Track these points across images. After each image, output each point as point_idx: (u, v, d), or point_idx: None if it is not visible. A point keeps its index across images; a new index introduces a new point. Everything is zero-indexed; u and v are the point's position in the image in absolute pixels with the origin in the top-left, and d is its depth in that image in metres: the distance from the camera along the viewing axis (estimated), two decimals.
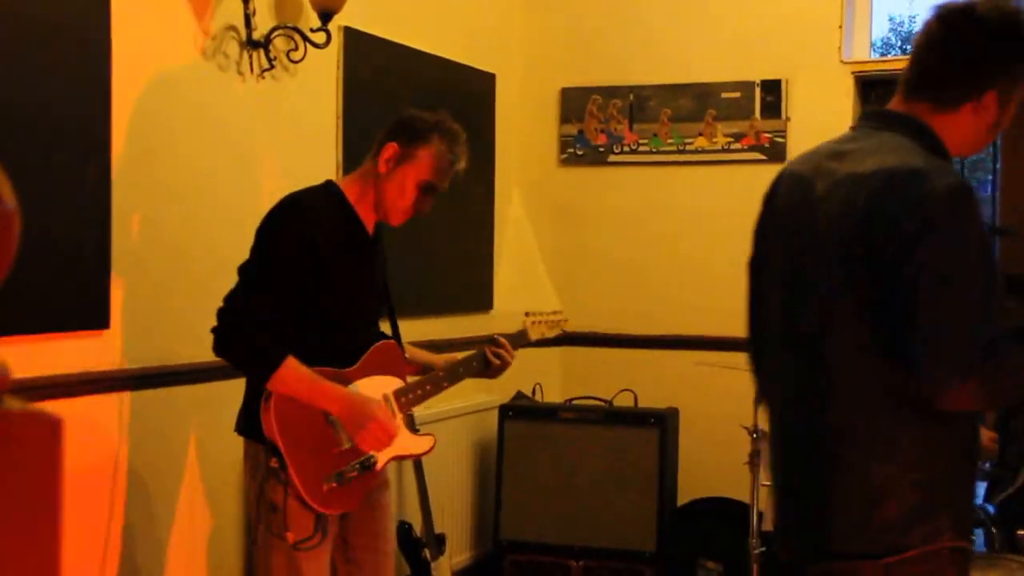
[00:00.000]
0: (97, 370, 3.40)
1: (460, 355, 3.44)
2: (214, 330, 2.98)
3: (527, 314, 3.55)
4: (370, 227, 3.18)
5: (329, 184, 3.17)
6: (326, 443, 3.03)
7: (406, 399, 3.20)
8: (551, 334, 3.62)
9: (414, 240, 4.90)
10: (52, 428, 3.02)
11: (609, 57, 5.70)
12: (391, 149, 3.10)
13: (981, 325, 2.05)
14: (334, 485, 3.01)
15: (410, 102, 4.84)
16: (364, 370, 3.13)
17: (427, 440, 3.29)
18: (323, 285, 3.03)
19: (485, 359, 3.39)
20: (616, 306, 5.60)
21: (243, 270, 3.03)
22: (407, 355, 3.35)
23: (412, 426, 3.27)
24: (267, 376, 2.94)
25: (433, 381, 3.29)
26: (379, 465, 3.11)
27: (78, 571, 3.36)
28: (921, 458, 2.16)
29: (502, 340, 3.41)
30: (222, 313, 2.99)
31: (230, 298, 3.00)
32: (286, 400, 2.96)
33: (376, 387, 3.13)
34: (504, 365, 3.41)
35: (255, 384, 3.02)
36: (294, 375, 2.95)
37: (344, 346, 3.11)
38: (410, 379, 3.28)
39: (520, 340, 3.49)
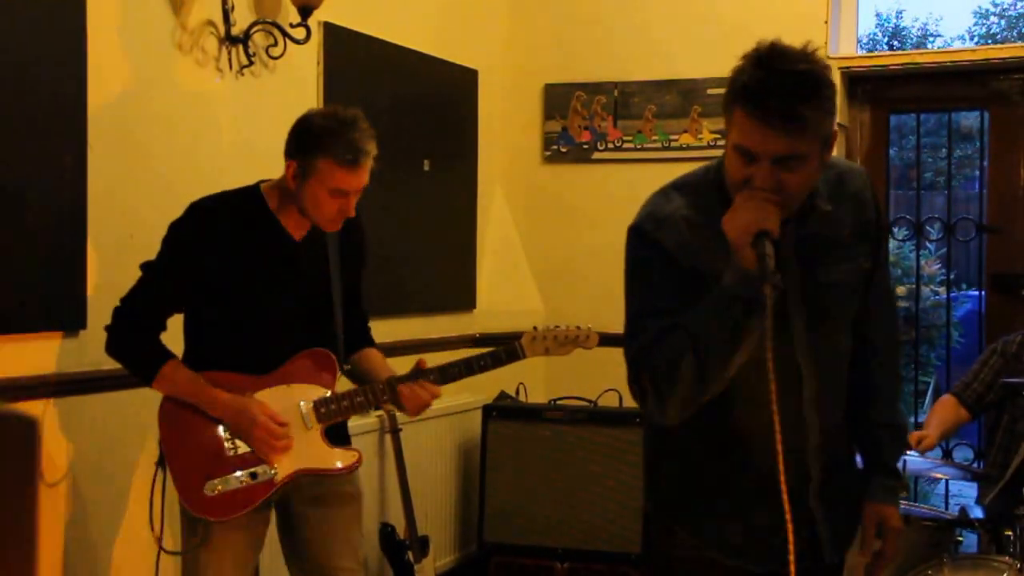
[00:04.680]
0: (74, 371, 3.37)
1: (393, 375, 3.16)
2: (106, 328, 2.99)
3: (534, 328, 3.19)
4: (299, 232, 3.04)
5: (254, 188, 3.07)
6: (217, 447, 2.97)
7: (327, 410, 3.05)
8: (561, 352, 3.21)
9: (396, 238, 4.85)
10: (28, 429, 2.97)
11: (593, 53, 5.66)
12: (291, 167, 2.96)
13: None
14: (218, 490, 2.94)
15: (391, 98, 4.81)
16: (282, 378, 3.03)
17: (348, 455, 3.09)
18: (221, 289, 2.97)
19: (393, 391, 3.09)
20: (600, 305, 5.52)
21: (142, 268, 3.01)
22: (365, 364, 3.20)
23: (340, 439, 3.13)
24: (148, 380, 2.97)
25: (361, 394, 3.08)
26: (279, 477, 2.99)
27: (57, 572, 3.31)
28: None
29: (415, 376, 3.10)
30: (115, 312, 2.99)
31: (124, 297, 3.00)
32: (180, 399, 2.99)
33: (292, 396, 3.02)
34: (411, 404, 3.08)
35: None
36: (173, 380, 2.96)
37: (258, 353, 3.01)
38: (341, 390, 3.10)
39: (505, 357, 3.16)
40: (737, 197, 2.14)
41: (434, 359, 3.18)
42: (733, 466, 2.35)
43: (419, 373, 3.11)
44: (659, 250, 2.30)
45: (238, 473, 2.96)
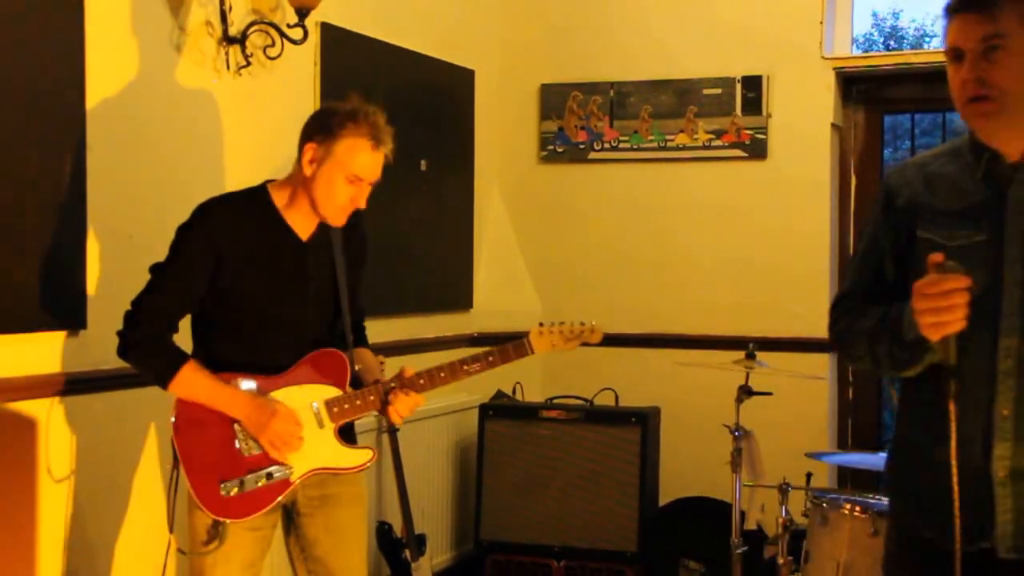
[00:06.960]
0: (74, 371, 3.37)
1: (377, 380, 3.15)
2: (118, 333, 2.97)
3: (540, 324, 3.19)
4: (305, 232, 3.05)
5: (261, 188, 3.07)
6: (232, 448, 2.97)
7: (340, 409, 3.05)
8: (567, 347, 3.22)
9: (393, 238, 4.86)
10: (27, 428, 2.98)
11: (589, 53, 5.67)
12: (310, 150, 2.96)
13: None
14: (235, 491, 2.95)
15: (388, 98, 4.81)
16: (294, 378, 3.03)
17: (362, 454, 3.10)
18: (231, 291, 2.97)
19: (384, 398, 3.08)
20: (597, 304, 5.56)
21: (151, 270, 3.01)
22: (358, 363, 3.18)
23: (351, 438, 3.14)
24: (166, 383, 2.95)
25: (372, 393, 3.09)
26: (294, 476, 3.00)
27: (55, 570, 3.32)
28: None
29: (404, 378, 3.09)
30: (126, 316, 2.98)
31: (135, 300, 2.98)
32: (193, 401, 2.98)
33: (305, 396, 3.02)
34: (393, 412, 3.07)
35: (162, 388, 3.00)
36: (192, 382, 2.95)
37: (269, 353, 3.01)
38: (351, 390, 3.10)
39: (514, 352, 3.15)
40: (916, 300, 2.06)
41: (431, 359, 3.19)
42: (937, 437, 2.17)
43: (405, 381, 3.09)
44: (884, 193, 2.38)
45: (254, 474, 2.96)
